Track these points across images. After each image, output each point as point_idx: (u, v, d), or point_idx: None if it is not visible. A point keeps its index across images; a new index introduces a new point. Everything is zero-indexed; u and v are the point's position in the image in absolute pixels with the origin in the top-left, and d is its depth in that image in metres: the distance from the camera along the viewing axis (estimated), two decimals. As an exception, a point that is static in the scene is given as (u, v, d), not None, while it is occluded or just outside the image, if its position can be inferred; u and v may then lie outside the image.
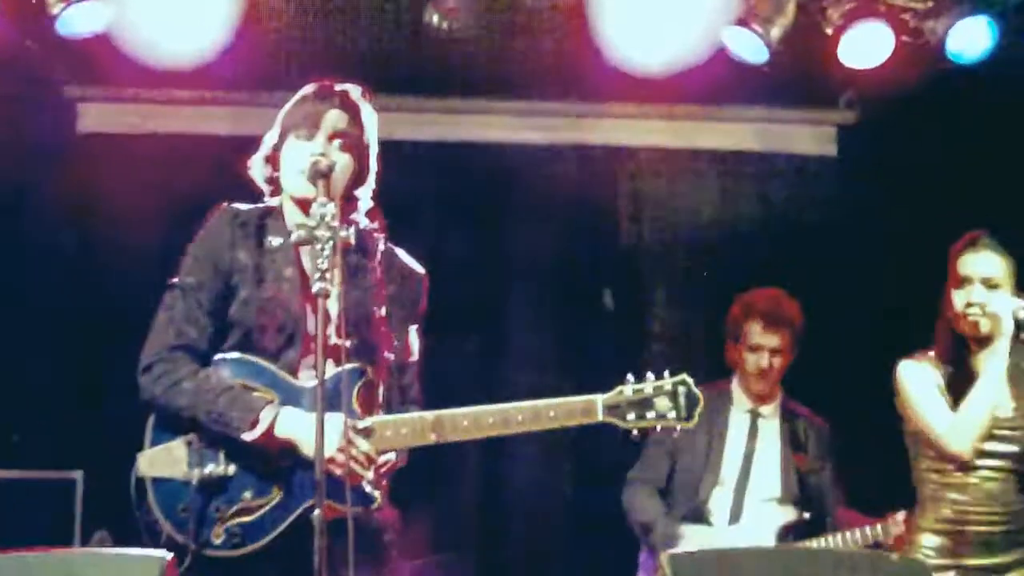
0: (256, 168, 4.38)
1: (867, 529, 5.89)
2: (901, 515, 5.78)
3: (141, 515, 4.13)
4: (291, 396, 4.13)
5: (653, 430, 5.61)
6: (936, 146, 7.23)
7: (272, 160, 4.35)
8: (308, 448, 3.98)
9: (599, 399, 4.17)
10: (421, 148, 7.46)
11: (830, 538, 5.98)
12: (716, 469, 6.13)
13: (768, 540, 5.96)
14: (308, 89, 4.36)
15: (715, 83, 7.01)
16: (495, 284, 7.73)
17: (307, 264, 4.22)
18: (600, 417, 4.16)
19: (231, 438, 4.06)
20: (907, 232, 7.06)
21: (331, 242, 3.84)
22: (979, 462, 5.05)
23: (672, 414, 4.17)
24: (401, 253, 4.45)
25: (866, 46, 6.51)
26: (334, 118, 4.27)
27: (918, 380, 5.12)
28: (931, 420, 5.06)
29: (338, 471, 3.94)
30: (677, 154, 7.85)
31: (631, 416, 4.17)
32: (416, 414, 4.17)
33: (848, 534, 5.94)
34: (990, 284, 5.08)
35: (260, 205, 4.36)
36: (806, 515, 6.08)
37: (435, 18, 6.39)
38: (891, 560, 4.23)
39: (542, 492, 7.56)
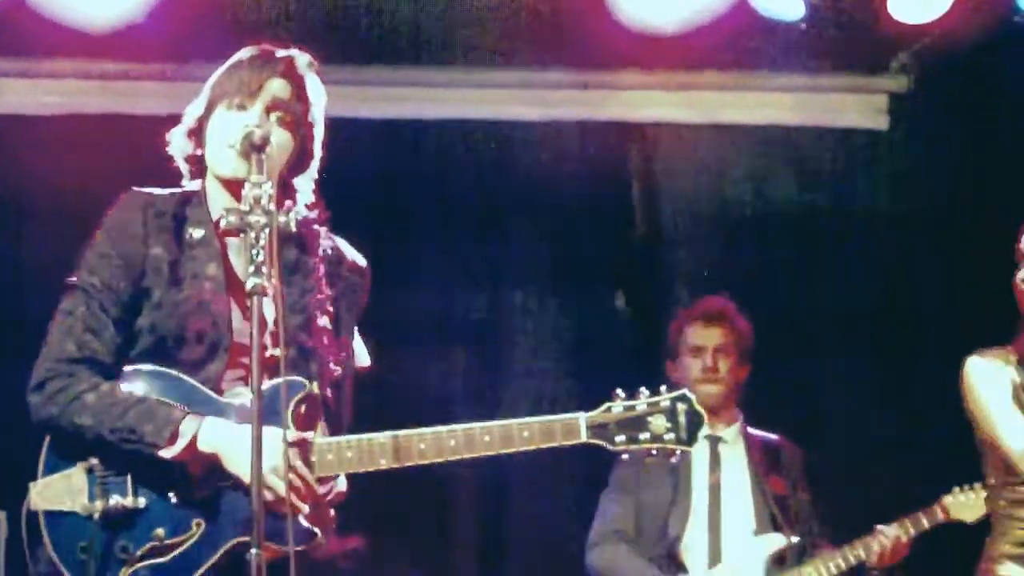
0: (176, 144, 4.25)
1: (847, 551, 6.23)
2: (883, 528, 6.21)
3: (34, 556, 4.02)
4: (212, 414, 4.02)
5: (618, 472, 6.13)
6: (1004, 117, 7.20)
7: (196, 134, 4.21)
8: (235, 464, 3.90)
9: (582, 417, 4.08)
10: (392, 128, 7.41)
11: (809, 568, 6.26)
12: (684, 506, 6.33)
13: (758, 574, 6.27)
14: (245, 53, 4.23)
15: (742, 45, 7.07)
16: (487, 287, 7.76)
17: (235, 260, 4.12)
18: (584, 438, 4.07)
19: (141, 463, 3.95)
20: (970, 215, 7.09)
21: (267, 229, 3.72)
22: None
23: (670, 436, 4.10)
24: (343, 244, 4.35)
25: (922, -3, 6.51)
26: (275, 87, 4.13)
27: (991, 385, 5.13)
28: (1006, 435, 5.05)
29: (270, 497, 3.82)
30: (699, 130, 7.79)
31: (621, 438, 4.09)
32: (365, 436, 4.06)
33: (829, 559, 6.24)
34: None
35: (177, 190, 4.23)
36: (794, 539, 6.32)
37: None
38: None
39: (545, 517, 7.50)
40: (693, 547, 6.29)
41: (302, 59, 4.22)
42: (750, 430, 6.58)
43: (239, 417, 3.95)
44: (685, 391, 4.15)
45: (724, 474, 6.42)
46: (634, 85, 7.57)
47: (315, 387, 4.05)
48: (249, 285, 3.67)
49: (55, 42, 6.55)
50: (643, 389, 4.12)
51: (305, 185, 4.25)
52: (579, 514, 6.71)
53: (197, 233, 4.10)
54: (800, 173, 7.81)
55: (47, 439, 4.06)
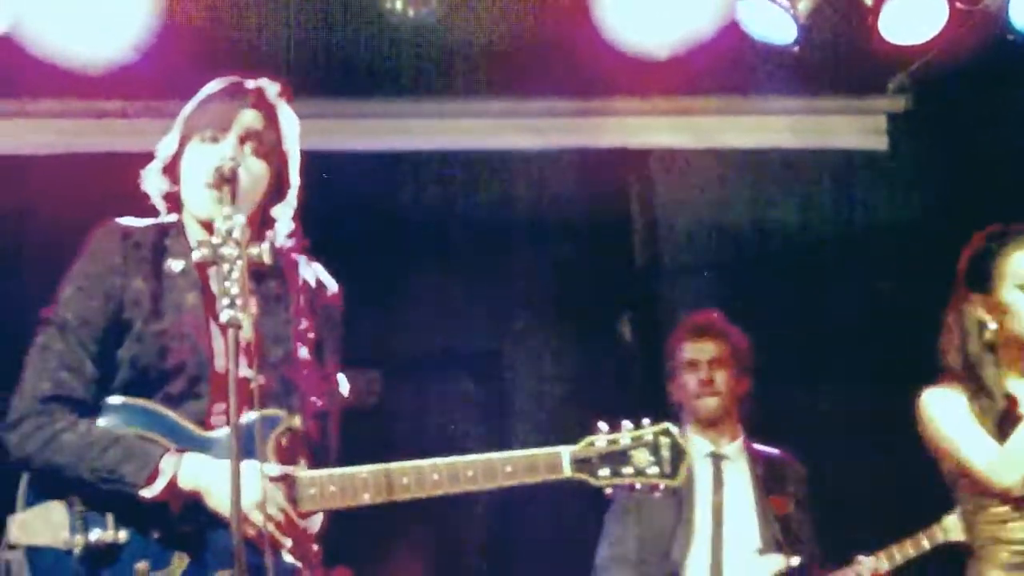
0: (151, 182, 4.27)
1: None
2: (862, 559, 6.29)
3: None
4: (194, 449, 3.98)
5: (621, 495, 5.76)
6: (1003, 134, 7.20)
7: (171, 171, 4.23)
8: (217, 501, 3.88)
9: (565, 452, 4.11)
10: (390, 160, 7.44)
11: None
12: (688, 528, 6.34)
13: None
14: (214, 86, 4.27)
15: (738, 70, 7.07)
16: (488, 318, 7.78)
17: (216, 290, 4.03)
18: (567, 473, 4.10)
19: (122, 497, 3.92)
20: (971, 234, 6.94)
21: (240, 261, 3.73)
22: None
23: (654, 470, 4.13)
24: (321, 272, 4.37)
25: (913, 18, 6.52)
26: (247, 118, 4.17)
27: (949, 410, 5.05)
28: (971, 452, 4.97)
29: (252, 532, 3.81)
30: (698, 155, 7.84)
31: (604, 472, 4.12)
32: (349, 469, 4.06)
33: None
34: None
35: (155, 221, 4.22)
36: (794, 561, 6.32)
37: (397, 3, 6.35)
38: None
39: (546, 543, 7.50)
40: (695, 568, 6.29)
41: (272, 89, 4.25)
42: (753, 445, 6.59)
43: (222, 451, 3.90)
44: (668, 425, 4.18)
45: (727, 493, 6.42)
46: (631, 111, 7.59)
47: (296, 420, 4.04)
48: (224, 318, 3.66)
49: (48, 82, 6.58)
50: (625, 422, 4.16)
51: (284, 214, 4.25)
52: (580, 538, 6.69)
53: (177, 265, 4.09)
54: (800, 196, 7.83)
55: (25, 474, 4.02)
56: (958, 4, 6.47)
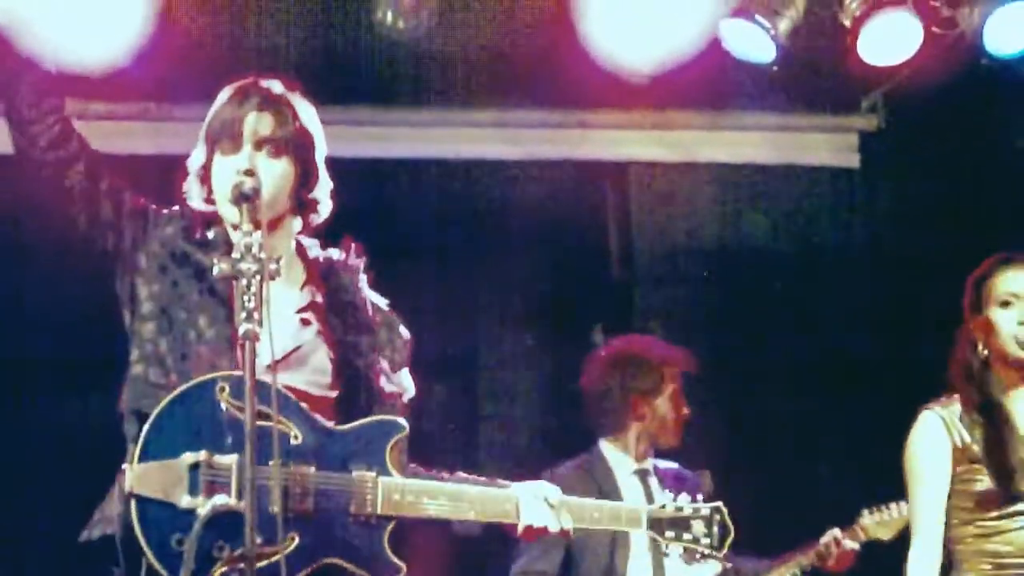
0: (193, 193, 4.30)
1: (801, 558, 6.57)
2: (836, 532, 6.52)
3: (123, 534, 3.97)
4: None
5: None
6: (972, 155, 7.29)
7: (206, 180, 4.26)
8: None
9: (644, 510, 4.53)
10: (371, 167, 7.39)
11: None
12: (626, 545, 6.38)
13: None
14: (224, 94, 4.28)
15: (717, 86, 7.10)
16: (465, 324, 7.76)
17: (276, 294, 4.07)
18: (643, 527, 4.51)
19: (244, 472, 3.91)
20: (939, 253, 7.06)
21: (258, 276, 3.77)
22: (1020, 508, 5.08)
23: (706, 541, 4.54)
24: (376, 296, 4.48)
25: (890, 40, 6.57)
26: (255, 122, 4.17)
27: (927, 466, 5.15)
28: (915, 529, 5.16)
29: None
30: (674, 169, 7.85)
31: (670, 534, 4.53)
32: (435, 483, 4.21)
33: (784, 568, 6.60)
34: None
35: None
36: (728, 564, 6.23)
37: (388, 16, 6.36)
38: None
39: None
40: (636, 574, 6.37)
41: (276, 86, 4.26)
42: (656, 462, 6.62)
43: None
44: (719, 504, 4.57)
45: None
46: (610, 124, 7.61)
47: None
48: (241, 331, 3.70)
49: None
50: (683, 495, 4.56)
51: (323, 195, 4.29)
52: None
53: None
54: (772, 211, 7.86)
55: (146, 427, 3.99)
56: (934, 28, 6.52)
